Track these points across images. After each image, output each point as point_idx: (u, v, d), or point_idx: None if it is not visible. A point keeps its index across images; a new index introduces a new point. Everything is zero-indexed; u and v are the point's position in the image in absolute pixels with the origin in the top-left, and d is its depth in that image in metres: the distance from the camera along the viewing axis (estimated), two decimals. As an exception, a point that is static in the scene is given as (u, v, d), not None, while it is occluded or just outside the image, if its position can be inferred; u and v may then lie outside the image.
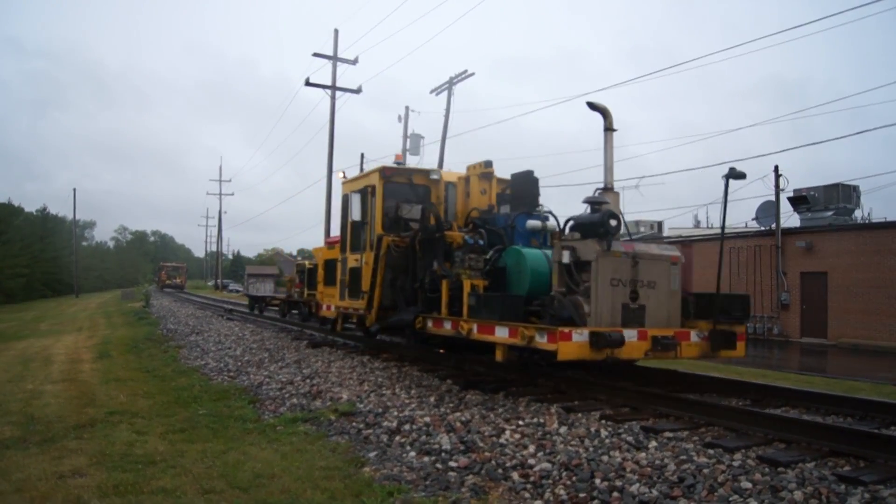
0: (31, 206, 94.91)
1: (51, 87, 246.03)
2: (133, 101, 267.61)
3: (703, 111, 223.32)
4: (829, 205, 28.89)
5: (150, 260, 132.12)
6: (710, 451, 5.86)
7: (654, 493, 5.01)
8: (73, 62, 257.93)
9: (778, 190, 28.33)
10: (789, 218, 30.41)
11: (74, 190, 79.62)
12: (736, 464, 5.50)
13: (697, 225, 47.59)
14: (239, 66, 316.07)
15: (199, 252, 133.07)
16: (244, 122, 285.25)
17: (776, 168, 28.36)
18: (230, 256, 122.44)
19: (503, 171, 12.10)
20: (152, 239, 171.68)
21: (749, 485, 5.01)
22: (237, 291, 78.80)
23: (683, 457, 5.72)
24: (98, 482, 5.63)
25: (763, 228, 30.09)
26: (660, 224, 43.57)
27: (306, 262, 21.95)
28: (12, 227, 73.23)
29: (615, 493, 5.08)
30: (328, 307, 14.38)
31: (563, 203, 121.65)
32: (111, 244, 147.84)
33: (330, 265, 14.59)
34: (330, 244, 15.22)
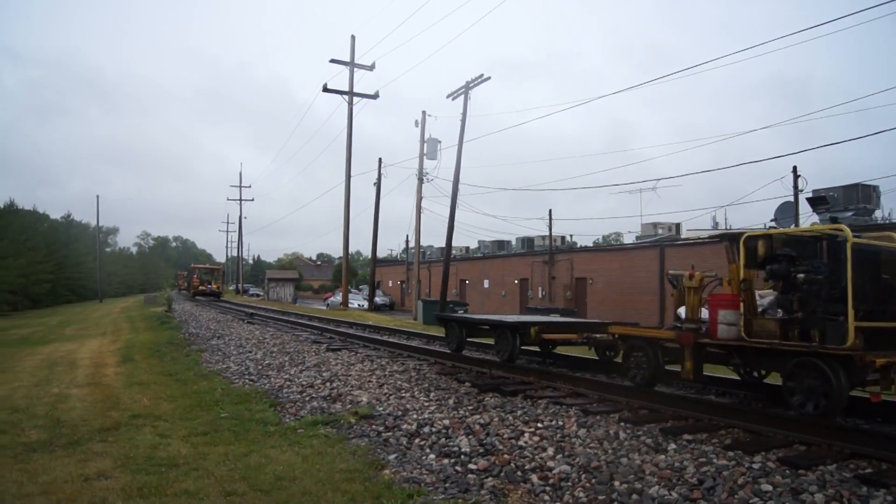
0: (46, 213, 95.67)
1: (53, 94, 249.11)
2: (133, 108, 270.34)
3: (704, 112, 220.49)
4: (849, 205, 28.57)
5: (172, 265, 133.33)
6: (730, 454, 5.83)
7: (674, 495, 5.00)
8: (71, 70, 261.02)
9: (797, 191, 28.10)
10: (808, 219, 30.15)
11: (98, 197, 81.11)
12: (756, 466, 5.47)
13: (716, 227, 47.28)
14: (237, 71, 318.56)
15: (219, 257, 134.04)
16: (247, 127, 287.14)
17: (794, 169, 28.13)
18: (250, 261, 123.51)
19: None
20: (174, 244, 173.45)
21: (769, 487, 4.99)
22: (258, 296, 79.29)
23: (703, 459, 5.71)
24: (122, 484, 5.71)
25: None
26: (677, 226, 43.33)
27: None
28: (38, 234, 74.26)
29: (634, 496, 5.08)
30: None
31: (569, 206, 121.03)
32: (134, 250, 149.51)
33: None
34: None
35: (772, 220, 31.13)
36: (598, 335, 10.93)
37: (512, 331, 11.42)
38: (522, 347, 11.60)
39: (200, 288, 57.78)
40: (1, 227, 56.54)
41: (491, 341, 12.70)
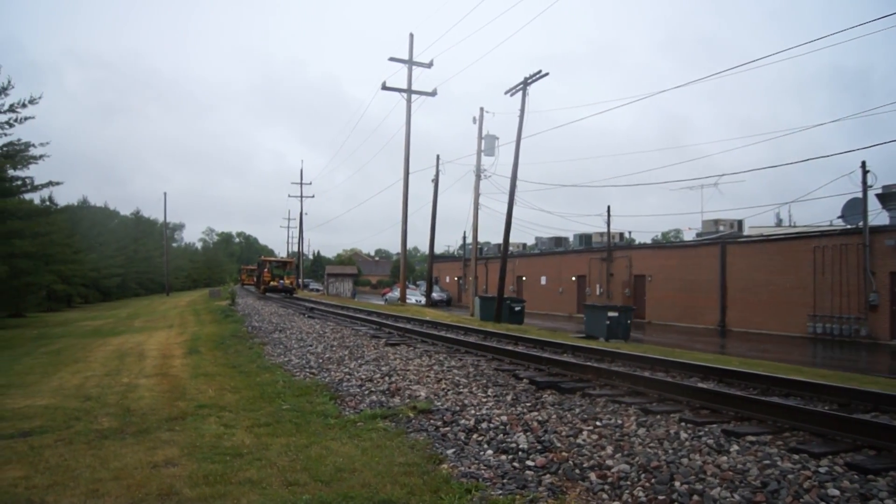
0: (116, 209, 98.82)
1: (113, 94, 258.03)
2: (190, 106, 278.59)
3: (761, 105, 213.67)
4: (921, 202, 27.49)
5: (235, 260, 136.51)
6: (795, 457, 5.68)
7: (736, 497, 4.90)
8: (129, 70, 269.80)
9: (865, 187, 27.10)
10: (877, 215, 29.07)
11: (165, 194, 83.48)
12: (822, 470, 5.32)
13: (779, 223, 45.93)
14: (289, 69, 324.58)
15: (280, 252, 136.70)
16: (300, 125, 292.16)
17: (863, 164, 27.13)
18: (311, 257, 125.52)
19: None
20: (237, 240, 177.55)
21: (836, 492, 4.85)
22: (317, 291, 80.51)
23: (767, 461, 5.57)
24: (189, 472, 5.90)
25: (849, 226, 28.83)
26: (740, 223, 42.26)
27: None
28: (108, 230, 77.10)
29: (695, 497, 4.99)
30: None
31: (625, 202, 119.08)
32: (199, 245, 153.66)
33: None
34: None
35: (839, 217, 30.13)
36: None
37: None
38: None
39: (272, 284, 50.56)
40: (74, 223, 58.81)
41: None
